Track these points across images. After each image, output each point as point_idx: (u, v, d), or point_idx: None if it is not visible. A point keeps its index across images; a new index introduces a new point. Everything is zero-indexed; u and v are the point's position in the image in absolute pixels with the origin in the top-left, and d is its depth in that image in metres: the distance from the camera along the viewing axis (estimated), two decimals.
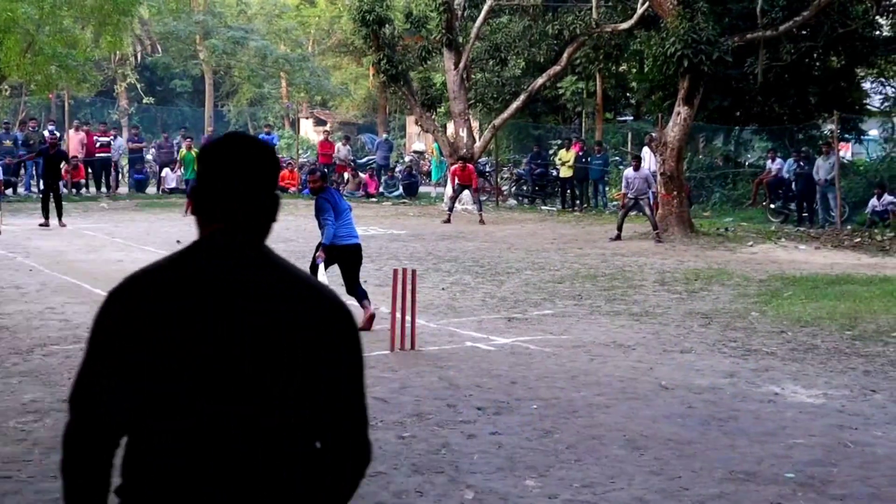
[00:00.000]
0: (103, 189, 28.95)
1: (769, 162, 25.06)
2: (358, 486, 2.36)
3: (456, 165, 23.93)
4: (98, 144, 28.74)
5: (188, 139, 26.64)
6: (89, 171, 29.08)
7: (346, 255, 10.13)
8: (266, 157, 2.40)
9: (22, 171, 28.58)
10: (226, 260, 2.30)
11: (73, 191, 28.11)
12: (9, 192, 26.14)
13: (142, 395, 2.26)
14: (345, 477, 2.36)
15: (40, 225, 20.06)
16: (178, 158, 26.15)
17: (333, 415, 2.32)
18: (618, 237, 19.31)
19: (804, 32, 24.44)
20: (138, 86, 48.90)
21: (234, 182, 2.33)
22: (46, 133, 28.59)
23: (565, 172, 27.47)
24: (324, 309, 2.34)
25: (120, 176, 31.20)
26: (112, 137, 29.84)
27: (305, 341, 2.27)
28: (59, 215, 20.37)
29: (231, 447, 2.23)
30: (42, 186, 21.76)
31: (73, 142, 28.75)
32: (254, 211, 2.36)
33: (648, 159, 21.53)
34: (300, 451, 2.31)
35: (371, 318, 10.06)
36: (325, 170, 18.76)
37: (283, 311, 2.27)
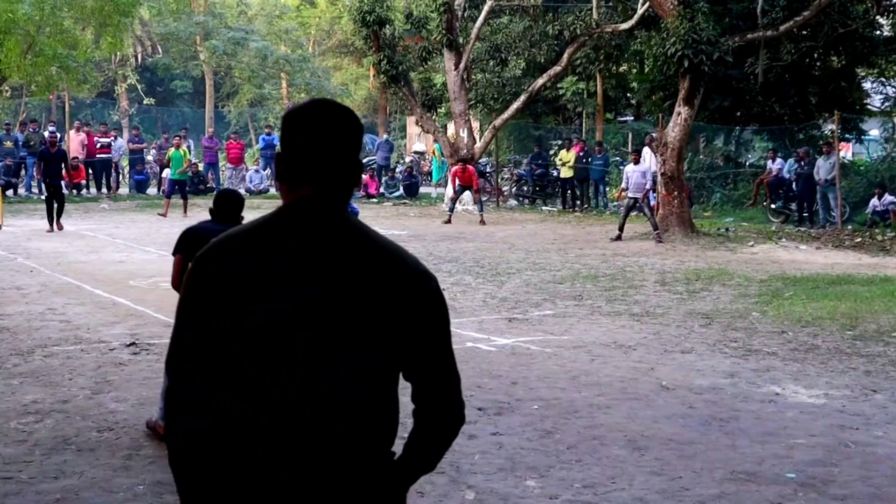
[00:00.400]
0: (104, 190, 28.95)
1: (769, 162, 25.05)
2: (451, 445, 2.47)
3: (456, 167, 23.95)
4: (99, 145, 28.75)
5: (177, 137, 26.34)
6: (90, 171, 29.08)
7: None
8: (352, 121, 2.42)
9: (22, 172, 28.59)
10: (314, 225, 2.33)
11: (74, 192, 28.10)
12: (9, 192, 26.15)
13: (231, 356, 2.28)
14: (440, 436, 2.48)
15: (47, 231, 19.54)
16: (166, 157, 25.47)
17: (427, 377, 2.43)
18: (619, 237, 19.32)
19: (804, 32, 24.44)
20: (139, 87, 48.90)
21: (322, 147, 2.36)
22: (47, 134, 28.62)
23: (566, 173, 27.50)
24: (409, 274, 2.39)
25: (120, 177, 31.19)
26: (112, 138, 29.83)
27: (393, 306, 2.33)
28: (59, 216, 19.87)
29: (321, 409, 2.28)
30: (44, 189, 21.45)
31: (74, 143, 28.76)
32: (340, 176, 2.40)
33: (649, 159, 21.53)
34: (385, 414, 2.45)
35: None
36: None
37: (370, 275, 2.32)
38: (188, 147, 31.28)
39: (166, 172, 29.98)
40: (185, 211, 23.66)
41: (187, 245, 6.35)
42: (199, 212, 24.21)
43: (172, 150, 24.65)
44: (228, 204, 6.40)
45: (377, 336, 2.32)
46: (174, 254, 6.36)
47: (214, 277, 2.30)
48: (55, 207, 19.81)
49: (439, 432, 2.48)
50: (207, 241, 2.42)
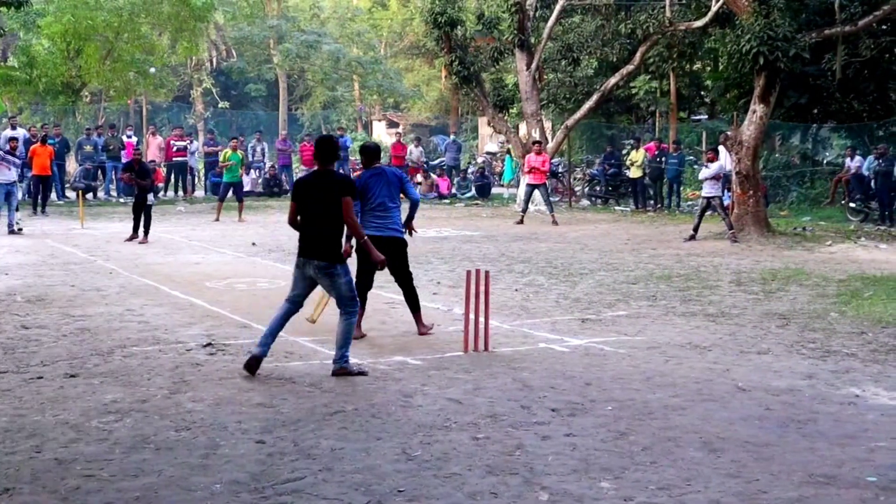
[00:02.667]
0: (180, 193, 29.41)
1: (848, 160, 24.61)
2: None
3: (530, 154, 23.64)
4: (175, 149, 29.21)
5: (234, 139, 25.65)
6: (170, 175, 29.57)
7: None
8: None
9: (101, 176, 29.15)
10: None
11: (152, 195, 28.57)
12: (89, 196, 26.68)
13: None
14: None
15: (128, 239, 18.76)
16: (221, 159, 24.61)
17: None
18: (692, 237, 19.10)
19: (884, 27, 24.00)
20: (214, 90, 49.69)
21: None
22: (125, 138, 29.18)
23: (635, 173, 27.31)
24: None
25: (196, 180, 31.64)
26: (188, 142, 30.29)
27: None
28: (146, 230, 18.78)
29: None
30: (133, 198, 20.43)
31: (152, 146, 29.27)
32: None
33: (724, 158, 21.28)
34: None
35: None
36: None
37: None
38: (261, 148, 31.73)
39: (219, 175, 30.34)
40: (239, 215, 23.38)
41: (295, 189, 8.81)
42: (273, 214, 24.45)
43: (229, 151, 24.08)
44: (324, 147, 8.34)
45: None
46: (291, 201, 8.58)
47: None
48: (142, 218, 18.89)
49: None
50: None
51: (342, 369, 8.20)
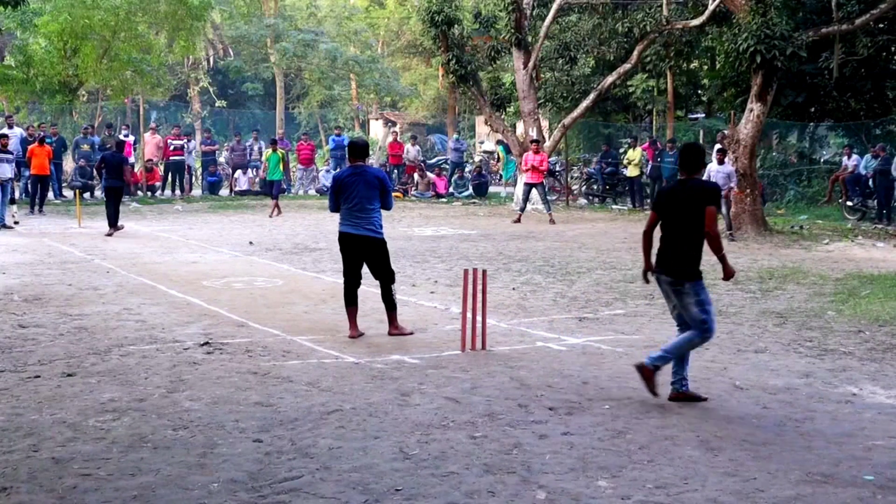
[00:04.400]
0: (177, 192, 29.39)
1: (845, 158, 24.62)
2: None
3: (528, 152, 23.64)
4: (172, 147, 29.18)
5: (273, 141, 26.69)
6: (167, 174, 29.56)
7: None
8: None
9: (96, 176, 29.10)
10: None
11: (149, 193, 28.60)
12: (87, 195, 26.65)
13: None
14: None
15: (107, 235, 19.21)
16: (264, 160, 26.04)
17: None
18: None
19: (881, 26, 24.00)
20: (211, 89, 49.62)
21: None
22: (122, 137, 29.14)
23: (632, 171, 27.32)
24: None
25: (193, 178, 31.62)
26: (185, 141, 30.26)
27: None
28: (109, 222, 19.36)
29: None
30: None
31: (150, 145, 29.25)
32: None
33: (728, 160, 21.24)
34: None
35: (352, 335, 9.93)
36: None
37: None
38: (258, 147, 31.74)
39: (238, 174, 30.47)
40: (277, 211, 24.01)
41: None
42: (289, 214, 24.46)
43: (269, 152, 25.00)
44: (689, 155, 7.69)
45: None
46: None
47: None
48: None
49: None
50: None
51: (681, 394, 7.45)
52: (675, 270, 7.42)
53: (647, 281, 7.74)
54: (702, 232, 7.36)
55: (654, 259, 7.61)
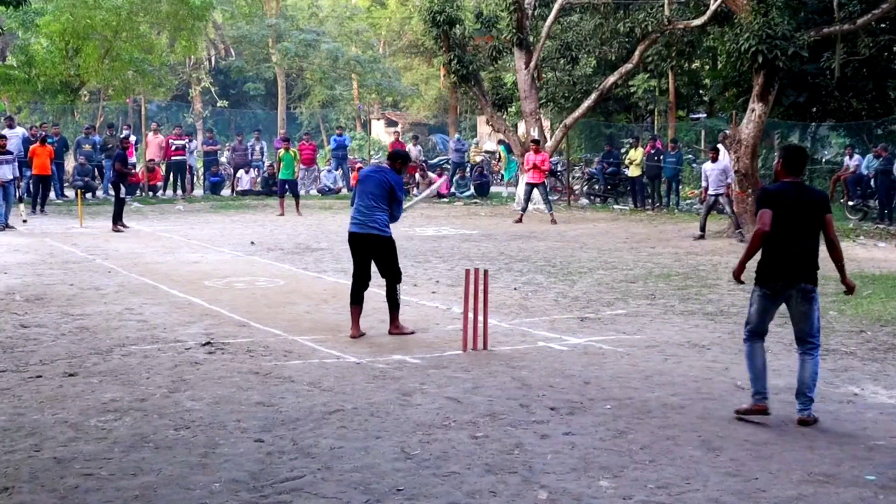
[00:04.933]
0: (179, 191, 29.39)
1: (847, 158, 24.60)
2: None
3: (529, 153, 23.63)
4: (173, 147, 29.18)
5: (285, 141, 26.78)
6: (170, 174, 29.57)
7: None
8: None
9: (99, 176, 29.10)
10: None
11: (151, 193, 28.60)
12: (88, 195, 26.65)
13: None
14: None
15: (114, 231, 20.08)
16: (277, 158, 26.12)
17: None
18: (702, 236, 19.05)
19: (883, 26, 23.96)
20: (212, 89, 49.65)
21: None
22: (123, 135, 29.14)
23: (634, 171, 27.29)
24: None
25: (195, 178, 31.62)
26: (187, 141, 30.26)
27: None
28: (113, 219, 20.40)
29: None
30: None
31: (152, 145, 29.24)
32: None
33: (723, 157, 21.27)
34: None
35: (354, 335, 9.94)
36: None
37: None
38: (260, 147, 31.78)
39: (240, 174, 30.50)
40: (297, 209, 24.26)
41: None
42: (272, 213, 24.44)
43: (283, 151, 25.19)
44: (795, 156, 7.29)
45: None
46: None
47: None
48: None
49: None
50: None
51: (810, 418, 6.94)
52: (814, 277, 7.21)
53: (741, 282, 7.53)
54: (818, 238, 7.16)
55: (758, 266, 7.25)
